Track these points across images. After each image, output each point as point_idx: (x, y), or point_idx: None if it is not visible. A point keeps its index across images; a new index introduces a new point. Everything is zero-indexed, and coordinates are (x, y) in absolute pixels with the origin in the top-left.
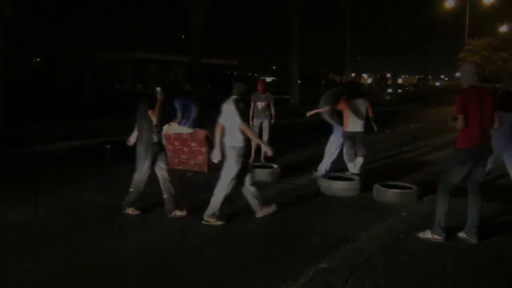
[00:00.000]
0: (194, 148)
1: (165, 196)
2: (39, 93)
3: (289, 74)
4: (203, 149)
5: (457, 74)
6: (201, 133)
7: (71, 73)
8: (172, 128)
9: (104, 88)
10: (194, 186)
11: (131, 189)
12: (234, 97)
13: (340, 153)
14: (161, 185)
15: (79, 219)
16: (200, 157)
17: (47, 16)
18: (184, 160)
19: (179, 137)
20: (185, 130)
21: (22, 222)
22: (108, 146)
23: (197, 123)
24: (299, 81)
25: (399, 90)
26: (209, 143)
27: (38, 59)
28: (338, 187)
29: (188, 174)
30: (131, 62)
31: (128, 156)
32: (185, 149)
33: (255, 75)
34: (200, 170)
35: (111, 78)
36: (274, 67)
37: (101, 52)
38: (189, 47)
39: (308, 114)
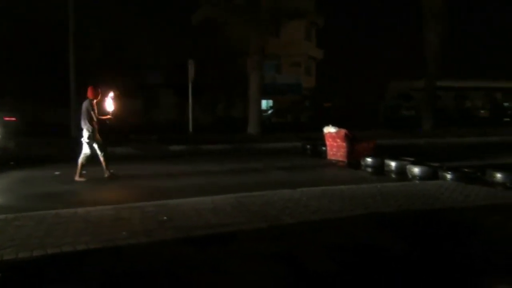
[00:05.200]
0: (339, 143)
1: None
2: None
3: None
4: (344, 144)
5: None
6: (342, 131)
7: (368, 102)
8: (328, 129)
9: (394, 114)
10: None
11: None
12: None
13: None
14: None
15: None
16: (342, 150)
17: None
18: (335, 152)
19: (330, 135)
20: (333, 129)
21: None
22: (308, 146)
23: None
24: None
25: None
26: (348, 139)
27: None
28: None
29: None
30: (423, 90)
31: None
32: (334, 144)
33: None
34: (342, 159)
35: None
36: None
37: (395, 82)
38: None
39: None
